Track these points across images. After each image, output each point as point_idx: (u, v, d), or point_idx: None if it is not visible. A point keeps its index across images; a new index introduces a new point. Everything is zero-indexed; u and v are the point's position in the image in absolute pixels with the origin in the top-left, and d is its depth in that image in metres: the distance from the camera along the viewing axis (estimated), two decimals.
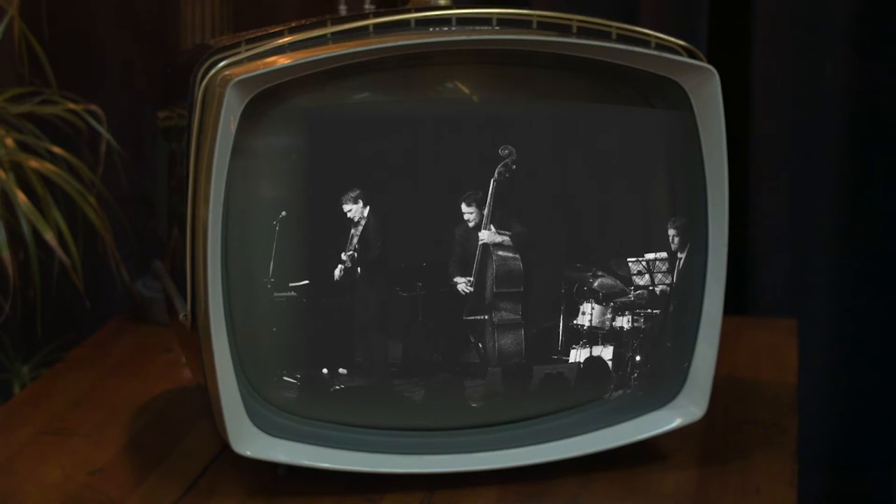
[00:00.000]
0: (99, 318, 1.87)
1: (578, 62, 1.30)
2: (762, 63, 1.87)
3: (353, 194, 1.26)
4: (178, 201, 1.35)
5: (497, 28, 1.31)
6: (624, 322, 1.35)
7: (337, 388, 1.30)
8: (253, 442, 1.29)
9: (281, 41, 1.27)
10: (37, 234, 1.65)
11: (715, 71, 1.31)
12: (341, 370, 1.30)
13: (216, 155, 1.22)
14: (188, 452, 1.41)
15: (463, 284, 1.30)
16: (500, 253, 1.31)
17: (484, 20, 1.32)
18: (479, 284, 1.31)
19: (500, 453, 1.34)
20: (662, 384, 1.38)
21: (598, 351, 1.35)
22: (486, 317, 1.31)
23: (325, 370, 1.30)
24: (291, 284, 1.28)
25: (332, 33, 1.29)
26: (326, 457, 1.31)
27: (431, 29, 1.30)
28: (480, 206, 1.30)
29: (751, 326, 1.79)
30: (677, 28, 1.84)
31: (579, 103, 1.32)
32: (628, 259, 1.34)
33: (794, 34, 1.86)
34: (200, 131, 1.25)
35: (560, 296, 1.33)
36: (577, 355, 1.34)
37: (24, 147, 1.73)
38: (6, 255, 1.62)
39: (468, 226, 1.30)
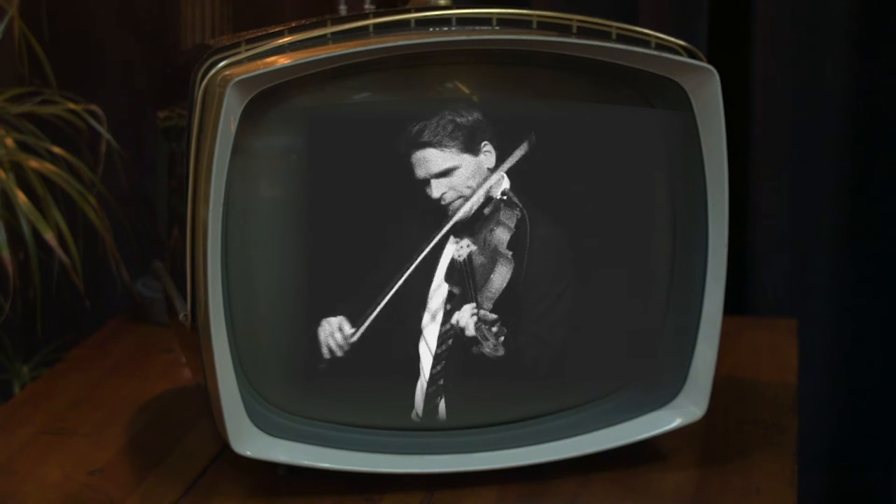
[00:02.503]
0: (99, 318, 1.87)
1: (578, 62, 1.30)
2: (762, 63, 1.87)
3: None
4: (178, 201, 1.35)
5: (497, 28, 1.31)
6: (623, 322, 1.35)
7: (337, 388, 1.30)
8: (253, 442, 1.29)
9: (281, 41, 1.27)
10: (37, 234, 1.65)
11: (715, 71, 1.31)
12: (341, 370, 1.30)
13: (216, 155, 1.22)
14: (188, 452, 1.41)
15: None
16: (501, 251, 1.31)
17: (484, 20, 1.31)
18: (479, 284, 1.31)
19: (500, 453, 1.34)
20: (662, 384, 1.38)
21: (597, 351, 1.34)
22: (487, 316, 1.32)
23: (325, 370, 1.30)
24: (292, 285, 1.28)
25: (332, 33, 1.29)
26: (326, 457, 1.31)
27: (431, 29, 1.30)
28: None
29: (751, 326, 1.78)
30: (677, 28, 1.84)
31: (579, 103, 1.32)
32: (628, 259, 1.34)
33: (794, 34, 1.86)
34: (200, 131, 1.25)
35: (560, 295, 1.32)
36: (577, 355, 1.34)
37: (24, 147, 1.73)
38: (6, 255, 1.62)
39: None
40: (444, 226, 1.29)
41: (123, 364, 1.66)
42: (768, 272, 1.92)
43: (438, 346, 1.31)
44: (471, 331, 1.31)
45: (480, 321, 1.31)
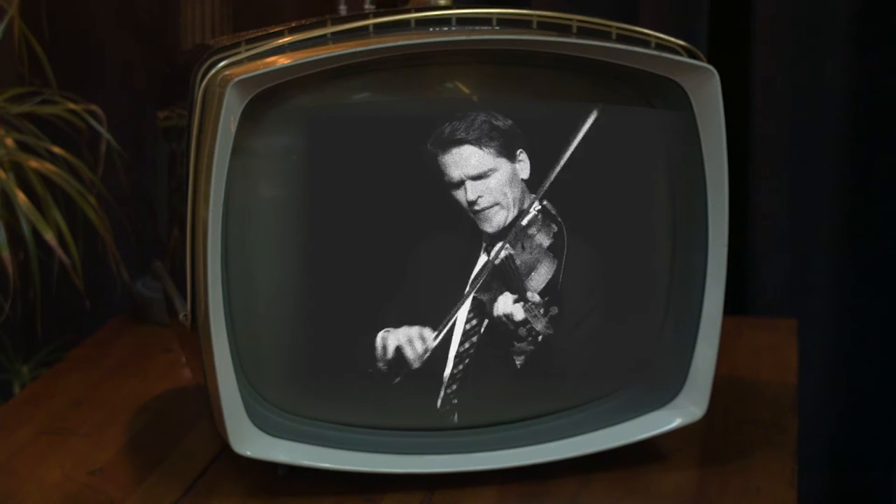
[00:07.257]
0: (99, 318, 1.87)
1: (578, 62, 1.30)
2: (762, 63, 1.87)
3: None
4: (178, 201, 1.35)
5: (497, 28, 1.31)
6: (623, 322, 1.35)
7: (337, 388, 1.30)
8: (253, 442, 1.29)
9: (281, 41, 1.27)
10: (37, 234, 1.65)
11: (715, 71, 1.31)
12: (342, 371, 1.30)
13: (216, 155, 1.22)
14: (188, 452, 1.41)
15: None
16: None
17: (484, 20, 1.32)
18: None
19: (500, 453, 1.34)
20: (662, 384, 1.38)
21: (597, 350, 1.34)
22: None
23: (325, 370, 1.30)
24: (292, 285, 1.28)
25: (332, 33, 1.29)
26: (326, 457, 1.31)
27: (431, 29, 1.30)
28: None
29: (751, 326, 1.78)
30: (677, 28, 1.84)
31: (579, 103, 1.32)
32: (628, 258, 1.34)
33: (794, 34, 1.86)
34: (200, 131, 1.25)
35: (560, 295, 1.32)
36: (577, 355, 1.34)
37: (24, 147, 1.73)
38: (6, 255, 1.62)
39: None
40: (478, 234, 1.29)
41: (123, 364, 1.66)
42: (768, 272, 1.92)
43: (455, 365, 1.31)
44: (520, 314, 1.31)
45: (529, 302, 1.30)
